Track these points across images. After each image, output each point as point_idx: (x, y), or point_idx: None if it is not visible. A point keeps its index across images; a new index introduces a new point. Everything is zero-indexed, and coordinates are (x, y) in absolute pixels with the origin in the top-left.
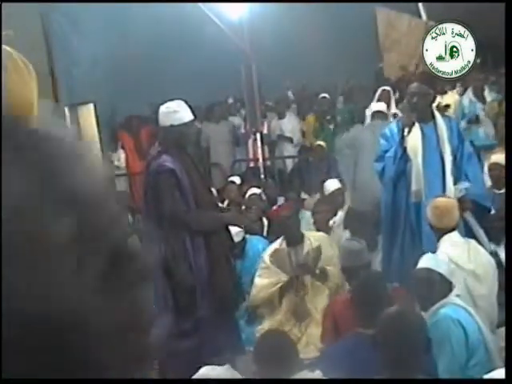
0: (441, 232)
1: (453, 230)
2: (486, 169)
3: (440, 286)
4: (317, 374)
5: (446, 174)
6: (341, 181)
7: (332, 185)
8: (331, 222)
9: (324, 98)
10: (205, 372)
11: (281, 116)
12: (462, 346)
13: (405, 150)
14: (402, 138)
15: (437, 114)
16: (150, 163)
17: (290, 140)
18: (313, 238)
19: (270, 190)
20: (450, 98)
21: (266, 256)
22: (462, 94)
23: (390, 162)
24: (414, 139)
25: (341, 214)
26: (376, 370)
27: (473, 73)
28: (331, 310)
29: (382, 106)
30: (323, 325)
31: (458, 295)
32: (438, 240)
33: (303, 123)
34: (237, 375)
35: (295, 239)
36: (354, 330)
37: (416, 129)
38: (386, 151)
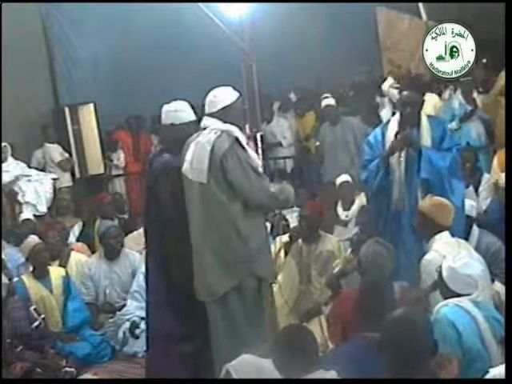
0: (433, 231)
1: (445, 230)
2: (495, 164)
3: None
4: (332, 374)
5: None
6: (353, 177)
7: (341, 178)
8: (344, 216)
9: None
10: (247, 359)
11: (268, 121)
12: (456, 348)
13: (388, 165)
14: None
15: (423, 119)
16: (152, 161)
17: (280, 144)
18: (329, 241)
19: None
20: (430, 100)
21: (278, 241)
22: (451, 96)
23: (371, 175)
24: None
25: (354, 208)
26: (380, 375)
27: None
28: (339, 310)
29: (331, 101)
30: (330, 324)
31: (476, 301)
32: (428, 240)
33: (300, 121)
34: (276, 374)
35: (311, 237)
36: (361, 332)
37: None
38: (369, 160)
